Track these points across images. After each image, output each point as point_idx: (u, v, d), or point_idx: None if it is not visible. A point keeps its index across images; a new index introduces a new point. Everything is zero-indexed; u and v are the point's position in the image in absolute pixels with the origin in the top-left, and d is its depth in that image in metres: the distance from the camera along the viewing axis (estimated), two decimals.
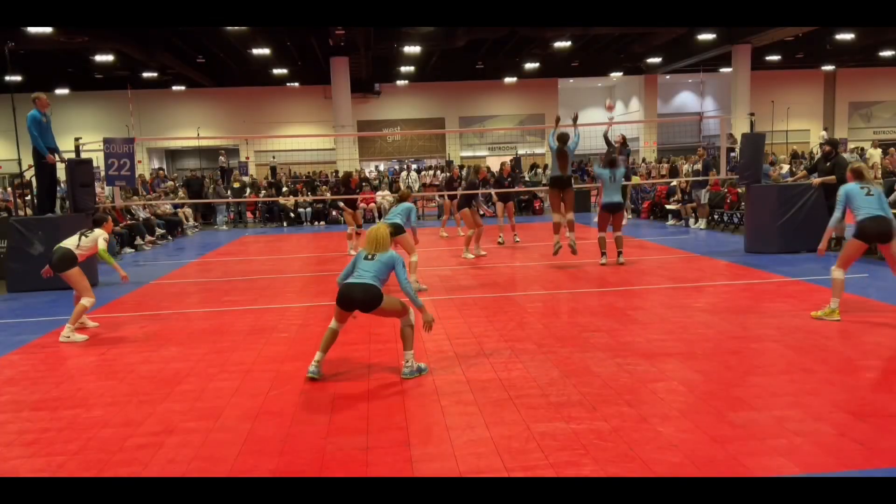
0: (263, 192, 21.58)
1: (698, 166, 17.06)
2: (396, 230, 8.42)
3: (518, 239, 13.14)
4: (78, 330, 6.78)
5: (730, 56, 28.03)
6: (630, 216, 17.91)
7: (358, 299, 5.15)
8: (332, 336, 5.31)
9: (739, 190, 13.32)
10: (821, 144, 24.44)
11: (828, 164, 10.44)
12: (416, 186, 23.11)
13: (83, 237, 7.03)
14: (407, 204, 8.87)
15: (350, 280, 5.22)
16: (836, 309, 6.31)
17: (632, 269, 9.62)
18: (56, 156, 9.95)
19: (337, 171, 25.72)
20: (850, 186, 6.38)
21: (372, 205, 19.86)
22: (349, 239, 12.73)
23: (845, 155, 20.70)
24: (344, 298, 5.19)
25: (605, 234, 10.09)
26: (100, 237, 7.06)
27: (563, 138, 9.62)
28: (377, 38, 24.46)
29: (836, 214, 6.47)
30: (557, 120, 10.18)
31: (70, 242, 6.96)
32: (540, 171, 23.43)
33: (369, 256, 5.36)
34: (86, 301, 6.78)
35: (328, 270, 10.81)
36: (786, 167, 18.06)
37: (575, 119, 10.08)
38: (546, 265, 10.28)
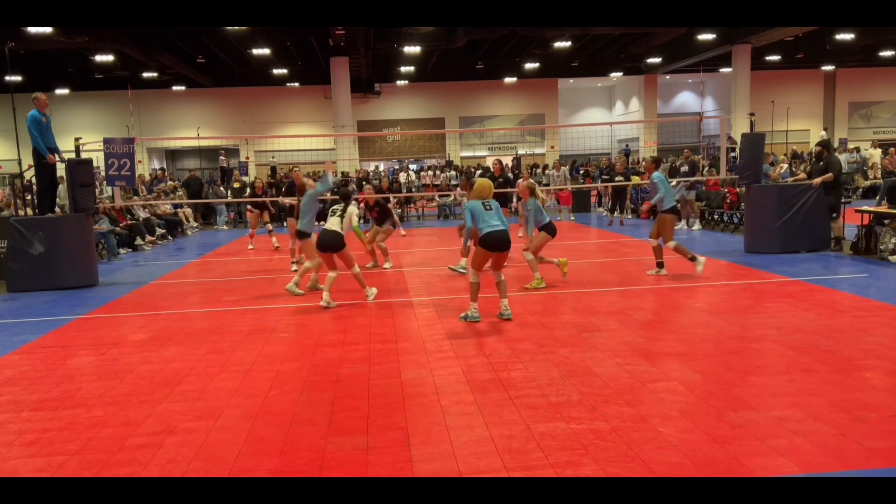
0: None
1: (685, 168, 17.09)
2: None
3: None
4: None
5: (730, 56, 28.01)
6: (630, 216, 17.93)
7: (503, 242, 6.32)
8: (478, 286, 6.54)
9: (739, 190, 13.33)
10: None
11: (820, 164, 10.86)
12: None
13: (341, 218, 7.72)
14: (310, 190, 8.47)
15: (491, 229, 6.30)
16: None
17: (632, 269, 9.62)
18: (56, 156, 9.96)
19: (338, 172, 25.73)
20: None
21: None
22: (251, 238, 14.40)
23: (844, 155, 20.79)
24: (496, 242, 6.29)
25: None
26: (352, 214, 7.83)
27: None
28: (377, 38, 24.47)
29: None
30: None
31: (334, 224, 7.65)
32: (539, 171, 23.45)
33: (488, 206, 6.36)
34: (356, 269, 7.83)
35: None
36: (784, 166, 18.03)
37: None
38: (544, 266, 10.26)
